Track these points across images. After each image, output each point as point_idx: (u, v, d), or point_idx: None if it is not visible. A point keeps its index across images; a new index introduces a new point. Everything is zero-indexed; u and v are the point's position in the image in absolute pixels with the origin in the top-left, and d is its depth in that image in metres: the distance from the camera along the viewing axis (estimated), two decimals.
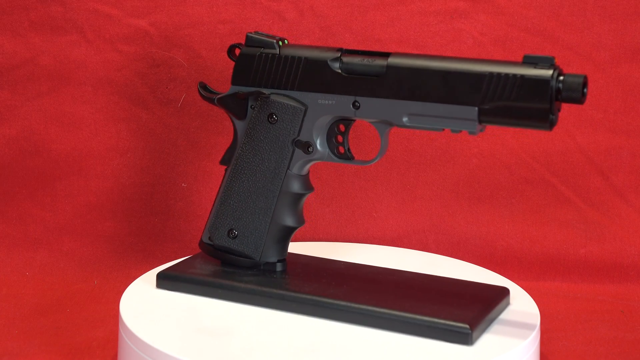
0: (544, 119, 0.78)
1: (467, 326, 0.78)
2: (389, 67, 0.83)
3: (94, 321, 0.96)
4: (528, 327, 0.83)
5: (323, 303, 0.83)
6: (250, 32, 0.88)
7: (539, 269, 1.11)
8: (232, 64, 0.89)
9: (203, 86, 0.90)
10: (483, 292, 0.86)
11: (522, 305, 0.87)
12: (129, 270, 1.08)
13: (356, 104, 0.84)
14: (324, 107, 0.85)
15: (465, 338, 0.78)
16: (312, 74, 0.85)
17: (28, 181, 1.10)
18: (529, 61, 0.79)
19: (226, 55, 0.91)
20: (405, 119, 0.82)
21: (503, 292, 0.87)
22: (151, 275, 0.92)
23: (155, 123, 1.09)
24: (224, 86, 0.89)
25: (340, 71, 0.84)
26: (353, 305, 0.82)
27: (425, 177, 1.12)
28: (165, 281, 0.88)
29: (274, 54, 0.86)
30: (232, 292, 0.85)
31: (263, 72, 0.86)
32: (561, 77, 0.78)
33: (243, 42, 0.89)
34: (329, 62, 0.84)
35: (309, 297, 0.83)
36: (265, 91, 0.86)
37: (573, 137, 1.11)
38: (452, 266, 0.97)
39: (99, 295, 1.03)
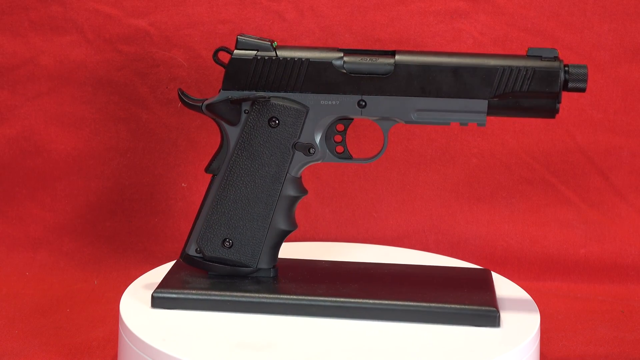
0: (552, 108, 0.84)
1: (495, 309, 0.82)
2: (398, 65, 0.83)
3: (94, 321, 0.96)
4: (528, 327, 0.83)
5: (345, 303, 0.83)
6: (241, 35, 0.85)
7: (539, 269, 1.11)
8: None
9: (183, 92, 0.87)
10: (474, 275, 0.90)
11: (522, 305, 0.87)
12: (129, 270, 1.08)
13: (361, 103, 0.84)
14: (327, 107, 0.84)
15: (493, 320, 0.82)
16: (316, 75, 0.84)
17: (28, 181, 1.10)
18: (534, 54, 0.83)
19: (226, 56, 0.90)
20: (414, 115, 0.84)
21: (488, 274, 0.91)
22: (151, 275, 0.92)
23: (155, 123, 1.09)
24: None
25: (345, 71, 0.84)
26: (380, 302, 0.82)
27: (425, 177, 1.12)
28: (162, 301, 0.84)
29: (270, 57, 0.84)
30: (244, 303, 0.83)
31: (260, 76, 0.84)
32: (566, 68, 0.83)
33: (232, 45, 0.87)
34: (333, 63, 0.84)
35: (327, 299, 0.83)
36: (266, 94, 0.84)
37: (573, 137, 1.11)
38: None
39: (99, 295, 1.03)
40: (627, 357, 0.91)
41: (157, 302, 0.84)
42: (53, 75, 1.08)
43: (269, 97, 0.84)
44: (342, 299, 0.83)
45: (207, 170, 0.87)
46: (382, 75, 0.84)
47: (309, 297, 0.83)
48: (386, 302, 0.83)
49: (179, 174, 1.11)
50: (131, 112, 1.09)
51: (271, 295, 0.84)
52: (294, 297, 0.83)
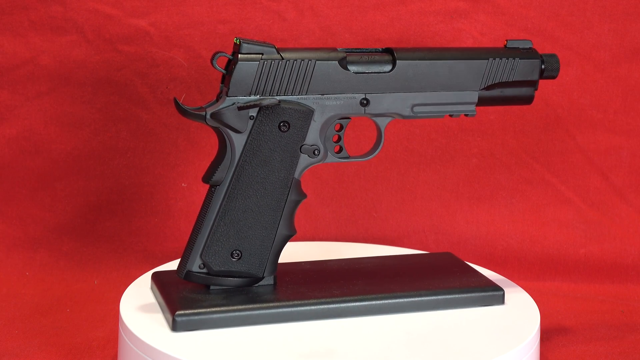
0: (530, 96, 0.89)
1: (500, 287, 0.87)
2: (399, 62, 0.85)
3: (94, 321, 0.97)
4: (528, 327, 0.83)
5: (367, 301, 0.83)
6: (244, 40, 0.83)
7: (539, 269, 1.11)
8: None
9: (180, 102, 0.82)
10: (444, 259, 0.95)
11: (522, 305, 0.87)
12: (129, 270, 1.08)
13: (364, 101, 0.85)
14: (331, 107, 0.84)
15: (500, 299, 0.87)
16: (322, 76, 0.83)
17: (28, 181, 1.10)
18: (512, 46, 0.88)
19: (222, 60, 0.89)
20: (412, 110, 0.86)
21: (453, 256, 0.96)
22: (151, 275, 0.92)
23: (155, 123, 1.09)
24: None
25: (349, 70, 0.84)
26: (400, 295, 0.85)
27: (425, 177, 1.12)
28: (186, 324, 0.80)
29: (277, 60, 0.82)
30: (272, 314, 0.82)
31: (267, 80, 0.82)
32: (542, 58, 0.89)
33: (235, 42, 0.84)
34: (339, 63, 0.84)
35: (350, 298, 0.83)
36: (277, 99, 0.82)
37: (573, 137, 1.11)
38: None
39: (99, 295, 1.03)
40: (627, 357, 0.91)
41: (181, 325, 0.79)
42: (53, 75, 1.08)
43: (280, 101, 0.82)
44: (365, 297, 0.84)
45: (208, 181, 0.83)
46: (384, 72, 0.85)
47: (332, 299, 0.83)
48: (405, 294, 0.85)
49: (179, 174, 1.11)
50: (131, 112, 1.09)
51: (294, 303, 0.82)
52: (316, 301, 0.83)
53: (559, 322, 0.98)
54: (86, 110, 1.09)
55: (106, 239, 1.11)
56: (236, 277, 0.84)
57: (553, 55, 0.89)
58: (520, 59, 0.87)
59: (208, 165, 1.10)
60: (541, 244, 1.11)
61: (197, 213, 1.09)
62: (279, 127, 0.83)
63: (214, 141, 1.09)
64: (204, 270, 0.83)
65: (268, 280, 0.85)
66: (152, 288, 0.88)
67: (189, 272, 0.83)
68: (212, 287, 0.84)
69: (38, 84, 1.08)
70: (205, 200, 0.84)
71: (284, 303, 0.82)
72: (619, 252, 1.11)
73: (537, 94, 1.09)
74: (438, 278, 0.88)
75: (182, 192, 1.11)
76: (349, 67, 0.84)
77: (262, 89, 0.82)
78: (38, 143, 1.09)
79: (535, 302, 0.88)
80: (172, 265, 0.96)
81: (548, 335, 0.94)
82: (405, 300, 0.84)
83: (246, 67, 0.82)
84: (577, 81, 1.10)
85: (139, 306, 0.85)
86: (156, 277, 0.88)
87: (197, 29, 1.08)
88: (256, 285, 0.85)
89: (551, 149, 1.11)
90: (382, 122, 0.87)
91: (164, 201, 1.11)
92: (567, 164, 1.11)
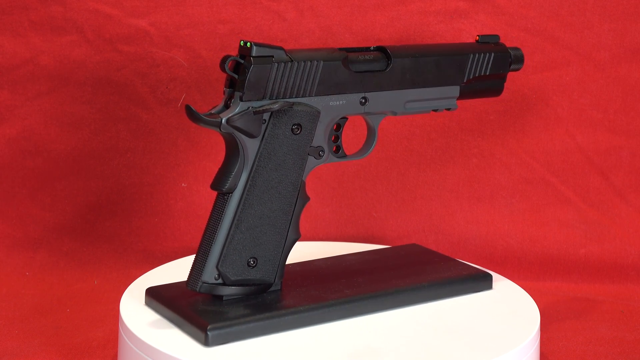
0: (501, 87, 0.93)
1: (488, 272, 0.90)
2: (394, 60, 0.86)
3: (94, 321, 0.97)
4: (528, 327, 0.83)
5: (380, 297, 0.85)
6: (255, 43, 0.80)
7: (539, 269, 1.11)
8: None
9: (193, 109, 0.79)
10: (418, 250, 0.97)
11: (522, 305, 0.87)
12: (129, 270, 1.08)
13: (362, 100, 0.85)
14: (335, 108, 0.84)
15: (490, 284, 0.90)
16: (328, 77, 0.83)
17: (28, 181, 1.10)
18: (484, 40, 0.92)
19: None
20: (404, 107, 0.87)
21: (419, 246, 0.99)
22: (151, 275, 0.92)
23: (155, 123, 1.09)
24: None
25: (351, 70, 0.84)
26: (406, 288, 0.86)
27: (425, 177, 1.12)
28: (220, 337, 0.78)
29: (287, 62, 0.81)
30: (297, 319, 0.81)
31: (280, 82, 0.81)
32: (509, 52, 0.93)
33: (241, 45, 0.82)
34: (341, 63, 0.84)
35: (364, 296, 0.84)
36: (290, 101, 0.81)
37: (573, 137, 1.11)
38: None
39: (99, 295, 1.03)
40: (627, 357, 0.91)
41: (214, 339, 0.77)
42: (53, 75, 1.08)
43: (293, 103, 0.81)
44: (379, 293, 0.85)
45: (221, 189, 0.81)
46: (381, 71, 0.85)
47: (350, 298, 0.84)
48: (412, 287, 0.86)
49: (179, 174, 1.11)
50: (131, 112, 1.09)
51: (316, 305, 0.82)
52: (335, 301, 0.83)
53: (559, 322, 0.98)
54: (86, 110, 1.09)
55: (106, 239, 1.11)
56: (249, 285, 0.82)
57: (517, 49, 0.92)
58: (494, 53, 0.91)
59: (208, 165, 1.10)
60: (541, 244, 1.11)
61: (197, 213, 1.10)
62: (292, 129, 0.82)
63: (214, 141, 1.09)
64: (219, 281, 0.81)
65: (276, 286, 0.84)
66: (148, 304, 0.84)
67: (204, 284, 0.81)
68: (225, 298, 0.82)
69: (38, 84, 1.08)
70: (215, 209, 0.81)
71: (308, 306, 0.82)
72: (619, 252, 1.11)
73: (537, 93, 1.10)
74: (429, 269, 0.90)
75: (182, 192, 1.11)
76: (351, 67, 0.84)
77: (275, 92, 0.81)
78: (38, 143, 1.09)
79: (535, 302, 0.88)
80: (170, 266, 0.96)
81: (548, 335, 0.94)
82: (413, 293, 0.86)
83: (260, 71, 0.80)
84: (577, 81, 1.10)
85: (139, 306, 0.85)
86: (154, 292, 0.84)
87: (197, 29, 1.08)
88: (268, 291, 0.84)
89: (551, 149, 1.11)
90: (376, 119, 0.87)
91: (164, 201, 1.11)
92: (567, 164, 1.11)
